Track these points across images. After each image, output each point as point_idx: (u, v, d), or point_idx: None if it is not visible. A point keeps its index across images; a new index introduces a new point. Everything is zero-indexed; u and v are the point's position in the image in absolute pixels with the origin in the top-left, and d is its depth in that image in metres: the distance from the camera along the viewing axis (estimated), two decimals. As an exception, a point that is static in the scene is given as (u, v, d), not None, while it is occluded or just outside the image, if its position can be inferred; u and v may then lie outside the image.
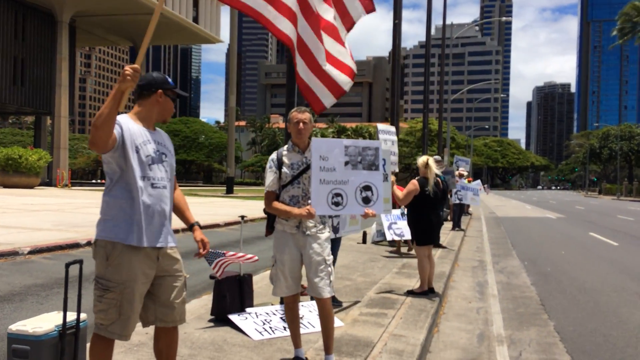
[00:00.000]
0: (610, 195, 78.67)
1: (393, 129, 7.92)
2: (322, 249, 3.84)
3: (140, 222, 2.99)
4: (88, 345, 3.99)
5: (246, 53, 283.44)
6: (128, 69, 2.76)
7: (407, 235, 7.26)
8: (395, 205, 8.01)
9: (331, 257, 3.91)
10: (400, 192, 6.81)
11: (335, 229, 5.72)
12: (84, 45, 72.88)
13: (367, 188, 3.91)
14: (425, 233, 6.80)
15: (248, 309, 5.16)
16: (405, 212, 7.56)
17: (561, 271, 9.76)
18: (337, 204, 3.82)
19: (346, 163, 3.87)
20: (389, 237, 11.05)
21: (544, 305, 7.01)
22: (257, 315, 5.04)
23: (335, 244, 5.94)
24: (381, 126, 7.90)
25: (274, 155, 3.97)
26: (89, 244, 10.14)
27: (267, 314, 5.14)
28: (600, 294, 7.73)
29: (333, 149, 3.86)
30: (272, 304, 5.60)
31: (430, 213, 6.79)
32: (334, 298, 5.74)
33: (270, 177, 3.90)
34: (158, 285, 3.12)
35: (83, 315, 3.73)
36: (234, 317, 4.90)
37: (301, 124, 3.86)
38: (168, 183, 3.17)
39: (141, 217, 2.99)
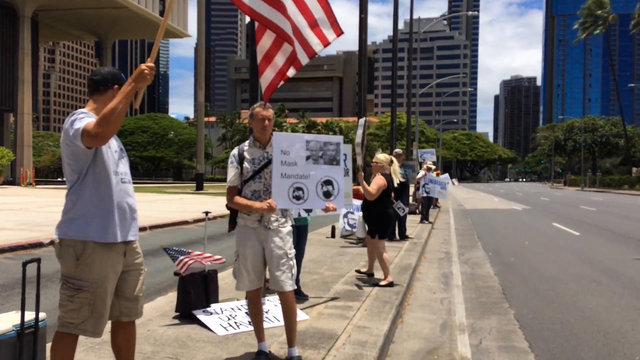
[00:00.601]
0: (574, 186, 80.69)
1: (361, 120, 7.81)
2: (283, 243, 3.88)
3: (114, 219, 2.99)
4: (48, 344, 3.96)
5: (215, 48, 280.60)
6: (146, 68, 2.81)
7: (359, 232, 7.32)
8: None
9: (293, 250, 3.95)
10: (370, 188, 6.85)
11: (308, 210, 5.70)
12: (48, 40, 71.13)
13: (328, 182, 3.98)
14: (387, 227, 7.06)
15: (213, 305, 5.17)
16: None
17: (524, 261, 10.02)
18: (298, 197, 3.87)
19: (307, 157, 3.92)
20: (340, 226, 11.22)
21: (505, 295, 7.19)
22: (222, 311, 5.06)
23: (301, 237, 5.97)
24: (362, 121, 7.78)
25: (235, 151, 3.99)
26: (52, 243, 9.96)
27: (232, 309, 5.16)
28: (560, 283, 7.97)
29: (294, 143, 3.91)
30: (237, 299, 5.62)
31: (390, 207, 7.00)
32: (299, 292, 5.80)
33: (231, 172, 3.92)
34: (123, 280, 3.13)
35: (42, 315, 3.69)
36: (198, 313, 4.91)
37: (267, 121, 3.91)
38: (130, 178, 3.18)
39: (114, 213, 2.99)
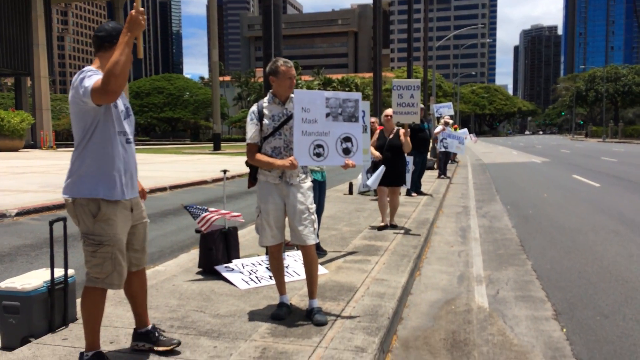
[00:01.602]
0: (596, 137, 79.39)
1: (416, 81, 7.84)
2: (305, 198, 3.94)
3: (121, 177, 3.05)
4: (78, 300, 4.12)
5: (227, 4, 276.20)
6: (137, 13, 2.78)
7: (374, 184, 7.50)
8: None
9: (314, 205, 4.02)
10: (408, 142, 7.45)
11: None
12: (60, 2, 70.63)
13: (347, 139, 4.01)
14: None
15: (234, 261, 5.30)
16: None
17: (542, 213, 10.01)
18: (318, 154, 3.91)
19: (327, 115, 3.94)
20: (359, 182, 11.37)
21: (523, 246, 7.23)
22: (243, 266, 5.18)
23: (321, 193, 6.06)
24: (397, 81, 7.85)
25: (254, 108, 4.00)
26: (76, 204, 10.20)
27: (253, 264, 5.29)
28: (578, 234, 7.97)
29: (314, 100, 3.92)
30: (258, 255, 5.75)
31: None
32: (318, 246, 5.90)
33: (251, 129, 3.94)
34: (132, 234, 3.25)
35: (71, 271, 3.84)
36: (220, 269, 5.04)
37: (294, 80, 3.94)
38: (133, 138, 3.23)
39: (121, 171, 3.05)
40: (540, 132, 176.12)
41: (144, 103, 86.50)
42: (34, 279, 3.63)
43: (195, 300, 4.37)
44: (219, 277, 5.00)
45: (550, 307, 4.74)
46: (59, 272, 3.72)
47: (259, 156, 3.89)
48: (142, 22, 2.80)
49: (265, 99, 4.03)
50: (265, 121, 3.91)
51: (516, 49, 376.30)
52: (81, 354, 3.17)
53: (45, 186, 12.50)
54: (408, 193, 11.45)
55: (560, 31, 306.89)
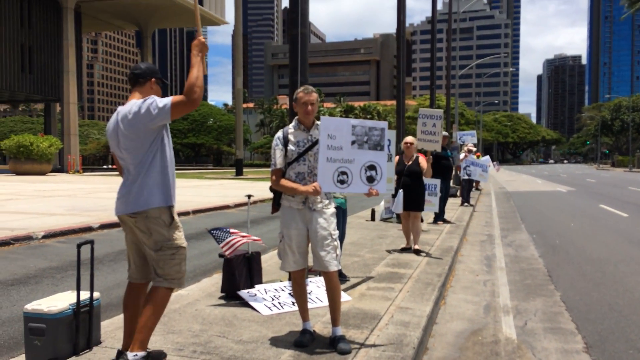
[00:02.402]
0: (622, 167, 78.01)
1: (439, 111, 8.34)
2: (328, 224, 3.92)
3: (174, 186, 3.47)
4: (103, 322, 4.14)
5: (252, 34, 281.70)
6: (203, 40, 3.37)
7: (398, 208, 7.87)
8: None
9: (337, 231, 3.99)
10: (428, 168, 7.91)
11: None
12: (90, 31, 72.81)
13: (371, 167, 4.01)
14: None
15: (257, 286, 5.27)
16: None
17: (569, 243, 9.80)
18: (342, 182, 3.91)
19: (353, 142, 3.95)
20: (381, 209, 11.43)
21: (550, 277, 7.07)
22: (265, 292, 5.15)
23: (343, 219, 6.07)
24: (423, 110, 8.37)
25: (279, 134, 4.04)
26: (101, 227, 10.32)
27: (276, 290, 5.25)
28: (607, 264, 7.77)
29: (341, 128, 3.93)
30: (280, 281, 5.71)
31: None
32: (340, 273, 5.84)
33: (277, 154, 3.97)
34: None
35: (96, 294, 3.85)
36: (243, 294, 5.01)
37: (309, 106, 3.96)
38: None
39: (174, 182, 3.48)
40: (565, 161, 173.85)
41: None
42: (60, 301, 3.64)
43: (218, 325, 4.34)
44: (241, 302, 4.97)
45: (580, 340, 4.60)
46: (84, 295, 3.74)
47: (284, 182, 3.91)
48: (206, 44, 3.38)
49: (291, 125, 4.07)
50: (290, 147, 3.94)
51: (539, 78, 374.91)
52: (124, 353, 3.38)
53: (72, 209, 12.69)
54: (435, 220, 11.38)
55: (584, 61, 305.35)
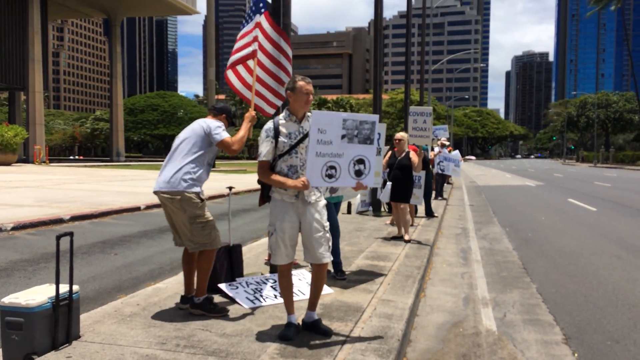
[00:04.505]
0: (587, 162, 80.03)
1: (429, 109, 8.80)
2: (320, 216, 3.92)
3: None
4: (82, 315, 4.03)
5: (223, 25, 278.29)
6: (254, 114, 4.68)
7: (386, 198, 8.31)
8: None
9: (328, 223, 3.99)
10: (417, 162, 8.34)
11: (332, 189, 5.77)
12: (56, 18, 70.85)
13: (360, 161, 3.94)
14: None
15: (238, 279, 5.20)
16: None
17: (542, 236, 9.99)
18: (330, 176, 3.85)
19: (343, 136, 3.87)
20: (357, 202, 11.61)
21: (526, 269, 7.19)
22: (247, 284, 5.09)
23: (332, 211, 6.12)
24: (413, 108, 8.84)
25: (270, 125, 3.93)
26: (72, 219, 10.07)
27: (258, 282, 5.20)
28: (580, 257, 7.94)
29: (332, 122, 3.83)
30: (262, 274, 5.66)
31: None
32: (342, 270, 5.82)
33: (266, 146, 3.88)
34: None
35: (75, 287, 3.74)
36: (224, 287, 4.94)
37: (310, 96, 3.94)
38: None
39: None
40: (532, 156, 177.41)
41: (137, 120, 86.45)
42: (38, 294, 3.52)
43: (200, 318, 4.27)
44: (223, 295, 4.90)
45: (559, 331, 4.68)
46: (63, 288, 3.62)
47: (275, 176, 3.84)
48: (256, 118, 4.65)
49: (281, 116, 3.98)
50: (282, 139, 3.86)
51: (508, 74, 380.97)
52: (191, 297, 4.40)
53: (41, 201, 12.35)
54: (427, 215, 11.56)
55: (551, 58, 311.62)
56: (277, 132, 3.88)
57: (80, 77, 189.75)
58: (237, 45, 5.24)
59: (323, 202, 3.99)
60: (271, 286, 5.12)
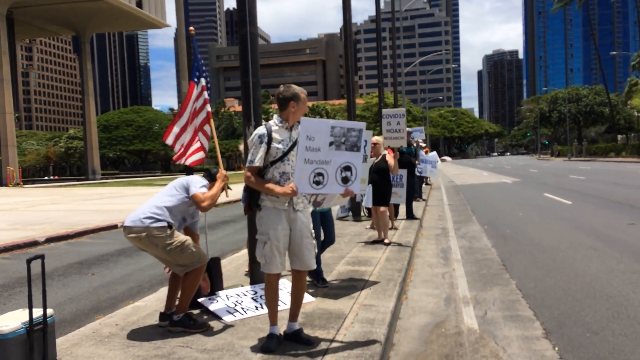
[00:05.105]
0: (561, 156, 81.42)
1: (401, 110, 8.77)
2: (309, 223, 3.99)
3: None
4: (58, 339, 3.94)
5: (195, 36, 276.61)
6: (225, 173, 4.58)
7: (368, 202, 8.46)
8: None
9: (314, 231, 4.05)
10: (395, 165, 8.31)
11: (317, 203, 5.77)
12: (24, 38, 69.77)
13: (347, 168, 3.98)
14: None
15: (218, 293, 5.15)
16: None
17: (520, 232, 10.11)
18: (318, 182, 3.87)
19: (330, 143, 3.89)
20: (336, 208, 11.67)
21: (505, 266, 7.26)
22: (227, 298, 5.05)
23: (330, 222, 6.23)
24: (386, 110, 8.85)
25: (263, 130, 3.90)
26: (47, 240, 9.89)
27: (238, 295, 5.16)
28: (558, 251, 8.05)
29: (320, 129, 3.86)
30: (242, 285, 5.61)
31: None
32: (322, 279, 5.81)
33: (258, 152, 3.84)
34: None
35: (49, 311, 3.66)
36: (204, 301, 4.89)
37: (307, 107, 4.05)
38: None
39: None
40: (508, 153, 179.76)
41: (112, 136, 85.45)
42: (12, 320, 3.44)
43: (180, 335, 4.21)
44: (203, 309, 4.85)
45: (539, 326, 4.73)
46: (37, 313, 3.54)
47: (270, 185, 3.82)
48: (227, 178, 4.62)
49: (273, 123, 3.97)
50: (276, 145, 3.86)
51: (480, 73, 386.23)
52: (170, 314, 4.36)
53: (15, 224, 12.12)
54: (408, 217, 11.59)
55: (521, 55, 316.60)
56: (270, 139, 3.87)
57: (52, 96, 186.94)
58: (183, 119, 5.46)
59: (310, 209, 4.07)
60: (252, 298, 5.08)
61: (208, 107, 5.38)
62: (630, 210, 12.33)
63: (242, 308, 4.82)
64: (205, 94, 5.39)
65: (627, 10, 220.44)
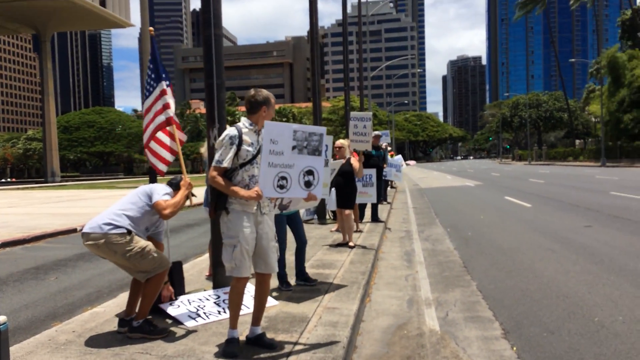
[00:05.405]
0: (522, 161, 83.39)
1: (368, 114, 8.80)
2: (273, 227, 4.02)
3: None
4: (12, 347, 3.82)
5: (160, 37, 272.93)
6: (189, 181, 4.58)
7: (332, 205, 8.54)
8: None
9: (276, 235, 4.11)
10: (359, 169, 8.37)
11: (283, 207, 5.74)
12: (-19, 35, 67.67)
13: (309, 172, 4.03)
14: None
15: (180, 297, 5.08)
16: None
17: (481, 234, 10.30)
18: (281, 186, 3.88)
19: (293, 147, 3.91)
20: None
21: (466, 267, 7.38)
22: (189, 302, 4.98)
23: (299, 225, 6.17)
24: (354, 113, 8.87)
25: (234, 132, 3.85)
26: (2, 245, 9.58)
27: (200, 299, 5.09)
28: (517, 253, 8.23)
29: (283, 133, 3.88)
30: (204, 290, 5.55)
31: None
32: (286, 282, 5.79)
33: (228, 152, 3.79)
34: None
35: (2, 318, 3.54)
36: (165, 306, 4.81)
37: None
38: None
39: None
40: (471, 157, 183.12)
41: (73, 137, 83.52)
42: (-39, 328, 3.31)
43: (140, 341, 4.13)
44: (163, 315, 4.77)
45: (498, 327, 4.83)
46: (-12, 320, 3.41)
47: (235, 188, 3.77)
48: (192, 186, 4.59)
49: (243, 125, 3.93)
50: (246, 147, 3.84)
51: (444, 78, 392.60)
52: (130, 320, 4.27)
53: (-32, 228, 11.69)
54: (373, 220, 11.62)
55: (484, 61, 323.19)
56: (240, 140, 3.83)
57: (10, 96, 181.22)
58: (147, 118, 5.33)
59: (274, 212, 4.13)
60: (214, 302, 5.02)
61: (169, 112, 5.22)
62: (586, 213, 12.72)
63: (205, 313, 4.76)
64: (168, 97, 5.24)
65: (586, 19, 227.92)
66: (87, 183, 44.17)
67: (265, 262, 3.93)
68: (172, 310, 4.76)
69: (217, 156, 3.82)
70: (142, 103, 5.65)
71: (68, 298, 6.19)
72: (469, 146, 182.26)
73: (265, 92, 4.02)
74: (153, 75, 5.33)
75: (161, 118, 5.21)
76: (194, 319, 4.61)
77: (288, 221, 6.05)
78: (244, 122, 3.97)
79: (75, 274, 7.56)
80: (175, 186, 4.60)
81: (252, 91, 4.02)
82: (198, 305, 4.92)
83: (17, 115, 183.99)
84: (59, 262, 8.42)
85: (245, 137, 3.86)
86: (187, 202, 4.71)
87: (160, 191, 4.37)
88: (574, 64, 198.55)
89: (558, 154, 71.96)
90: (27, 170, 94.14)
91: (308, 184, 4.01)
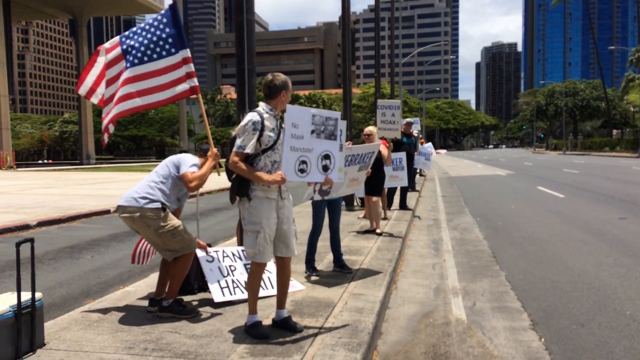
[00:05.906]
0: (557, 150, 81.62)
1: (397, 102, 8.74)
2: (291, 211, 4.05)
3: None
4: (46, 323, 3.95)
5: (193, 22, 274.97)
6: (216, 152, 4.55)
7: (361, 193, 8.56)
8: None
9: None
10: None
11: (324, 192, 5.73)
12: (20, 20, 69.10)
13: (326, 157, 4.06)
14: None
15: (213, 248, 5.11)
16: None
17: (511, 224, 10.15)
18: (302, 171, 3.91)
19: (312, 132, 3.94)
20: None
21: (495, 257, 7.30)
22: (223, 258, 5.00)
23: (337, 212, 6.20)
24: (381, 101, 8.81)
25: (256, 117, 3.79)
26: (39, 224, 9.88)
27: (233, 255, 5.10)
28: (548, 244, 8.10)
29: (303, 117, 3.90)
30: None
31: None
32: (313, 267, 5.82)
33: (251, 138, 3.74)
34: None
35: (38, 295, 3.67)
36: (199, 254, 4.90)
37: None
38: None
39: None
40: (503, 146, 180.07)
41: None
42: (0, 303, 3.44)
43: (169, 320, 4.23)
44: (192, 295, 4.86)
45: (527, 317, 4.77)
46: (25, 296, 3.55)
47: (260, 173, 3.76)
48: (219, 156, 4.54)
49: (263, 110, 3.89)
50: (268, 133, 3.81)
51: (478, 65, 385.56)
52: (160, 300, 4.38)
53: (7, 207, 12.08)
54: (401, 207, 11.59)
55: (519, 48, 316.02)
56: (263, 126, 3.81)
57: (47, 80, 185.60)
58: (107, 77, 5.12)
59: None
60: (244, 264, 5.05)
61: (195, 81, 4.97)
62: (621, 205, 12.40)
63: (233, 281, 4.82)
64: (191, 65, 4.95)
65: (627, 5, 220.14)
66: (120, 165, 45.09)
67: (287, 245, 3.97)
68: (206, 265, 4.85)
69: (239, 142, 3.76)
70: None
71: (101, 277, 6.36)
72: (501, 135, 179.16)
73: (283, 76, 3.97)
74: (172, 40, 4.88)
75: (185, 86, 4.89)
76: (222, 292, 4.66)
77: (328, 207, 6.06)
78: (263, 107, 3.91)
79: (108, 253, 7.75)
80: (203, 152, 4.64)
81: (270, 76, 3.96)
82: (229, 266, 4.95)
83: (54, 98, 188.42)
84: (92, 242, 8.64)
85: (266, 123, 3.82)
86: (220, 180, 4.81)
87: (187, 162, 4.37)
88: (613, 52, 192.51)
89: (594, 144, 70.16)
90: (63, 153, 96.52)
91: (325, 168, 4.04)
